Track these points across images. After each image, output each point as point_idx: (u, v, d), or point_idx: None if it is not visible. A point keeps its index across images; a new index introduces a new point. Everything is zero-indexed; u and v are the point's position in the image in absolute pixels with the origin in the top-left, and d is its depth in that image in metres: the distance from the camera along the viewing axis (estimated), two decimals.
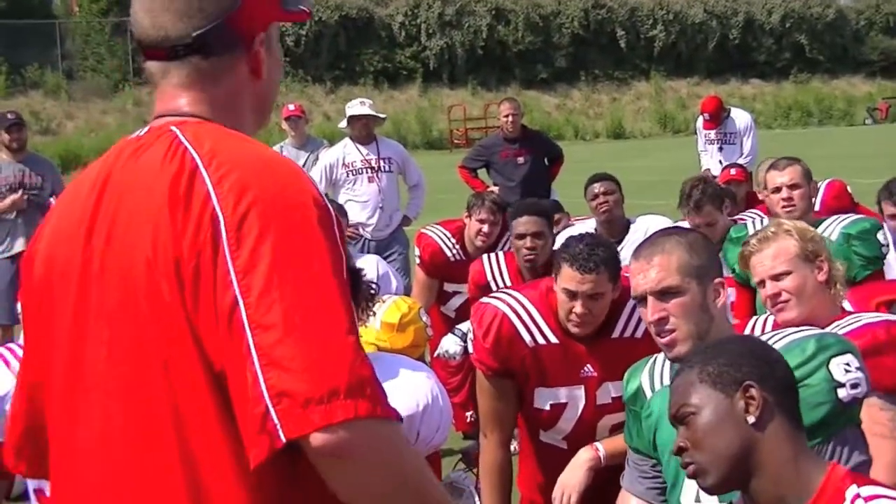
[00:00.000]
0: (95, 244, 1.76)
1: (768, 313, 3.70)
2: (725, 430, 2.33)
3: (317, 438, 1.54)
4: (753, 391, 2.32)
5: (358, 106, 9.24)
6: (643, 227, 6.59)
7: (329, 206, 1.70)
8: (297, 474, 1.64)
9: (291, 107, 10.45)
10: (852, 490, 2.28)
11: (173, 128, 1.76)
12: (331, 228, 1.66)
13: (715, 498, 2.88)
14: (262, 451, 1.56)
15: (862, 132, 37.27)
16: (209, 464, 1.65)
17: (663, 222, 6.61)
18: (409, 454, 1.64)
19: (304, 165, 9.49)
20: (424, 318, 3.94)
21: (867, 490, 2.28)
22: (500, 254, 5.99)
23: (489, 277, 5.82)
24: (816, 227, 4.66)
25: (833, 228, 5.11)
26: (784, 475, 2.33)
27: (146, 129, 1.83)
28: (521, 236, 5.60)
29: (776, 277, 3.51)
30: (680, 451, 2.37)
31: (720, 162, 10.18)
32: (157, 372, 1.67)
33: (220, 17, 1.79)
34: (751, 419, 2.33)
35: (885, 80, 48.68)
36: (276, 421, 1.54)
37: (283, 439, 1.54)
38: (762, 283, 3.56)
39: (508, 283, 5.62)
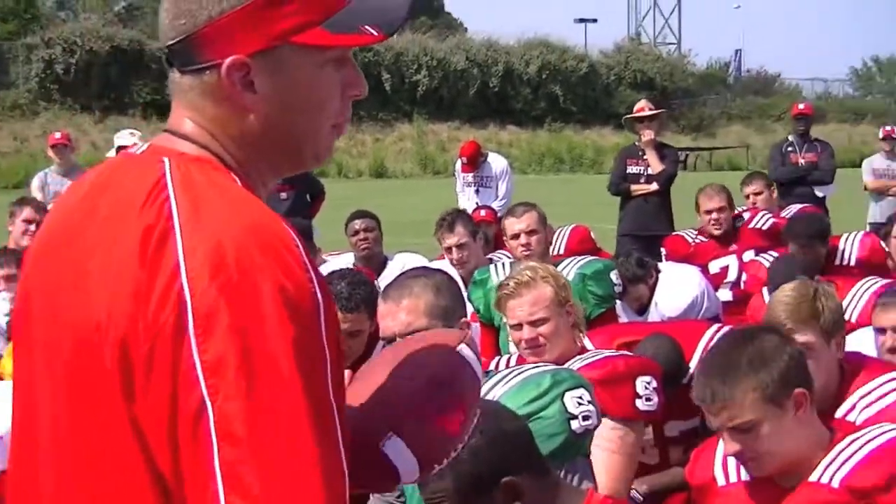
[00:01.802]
0: (67, 274, 1.52)
1: (511, 353, 3.83)
2: None
3: None
4: (515, 485, 2.34)
5: (127, 136, 9.48)
6: (399, 264, 6.74)
7: (316, 286, 1.43)
8: None
9: (57, 135, 10.60)
10: None
11: (165, 160, 1.52)
12: (311, 316, 1.41)
13: None
14: None
15: (608, 181, 38.40)
16: None
17: (418, 260, 6.75)
18: None
19: None
20: None
21: None
22: None
23: None
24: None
25: (570, 269, 5.32)
26: None
27: (146, 146, 1.61)
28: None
29: (534, 323, 3.62)
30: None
31: (476, 204, 10.37)
32: (93, 455, 1.46)
33: (192, 30, 1.52)
34: None
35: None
36: None
37: None
38: (519, 325, 3.66)
39: None
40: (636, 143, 9.88)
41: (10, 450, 1.63)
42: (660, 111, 10.26)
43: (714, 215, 7.38)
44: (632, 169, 9.74)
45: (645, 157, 9.64)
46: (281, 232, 1.45)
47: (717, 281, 7.05)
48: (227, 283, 1.37)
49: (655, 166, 9.54)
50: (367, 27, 1.55)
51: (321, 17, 1.53)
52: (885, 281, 5.35)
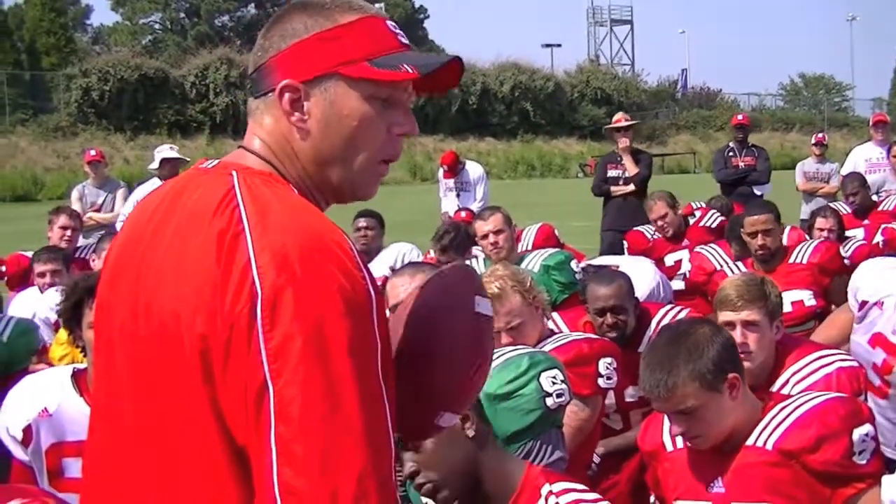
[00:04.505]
0: (146, 271, 1.51)
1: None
2: (453, 447, 2.29)
3: None
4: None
5: (168, 151, 10.00)
6: (393, 250, 6.97)
7: (369, 284, 1.43)
8: None
9: (93, 152, 10.75)
10: (546, 487, 2.32)
11: (234, 173, 1.52)
12: (365, 312, 1.41)
13: None
14: None
15: (574, 183, 38.53)
16: None
17: (408, 247, 6.91)
18: None
19: (102, 203, 10.09)
20: None
21: (557, 486, 2.34)
22: None
23: None
24: (520, 263, 4.84)
25: (535, 261, 5.32)
26: (498, 477, 2.33)
27: (216, 161, 1.60)
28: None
29: (511, 329, 3.60)
30: (413, 474, 2.30)
31: (458, 206, 10.33)
32: (173, 434, 1.44)
33: (262, 62, 1.57)
34: (470, 433, 2.32)
35: (593, 141, 50.61)
36: None
37: None
38: (498, 332, 3.63)
39: None
40: (615, 150, 9.82)
41: (90, 428, 1.60)
42: (634, 122, 10.22)
43: (659, 223, 7.49)
44: (611, 172, 9.68)
45: (623, 161, 9.60)
46: (337, 236, 1.45)
47: (671, 272, 7.02)
48: (292, 279, 1.37)
49: (631, 169, 9.50)
50: (405, 66, 1.55)
51: (366, 55, 1.54)
52: None
